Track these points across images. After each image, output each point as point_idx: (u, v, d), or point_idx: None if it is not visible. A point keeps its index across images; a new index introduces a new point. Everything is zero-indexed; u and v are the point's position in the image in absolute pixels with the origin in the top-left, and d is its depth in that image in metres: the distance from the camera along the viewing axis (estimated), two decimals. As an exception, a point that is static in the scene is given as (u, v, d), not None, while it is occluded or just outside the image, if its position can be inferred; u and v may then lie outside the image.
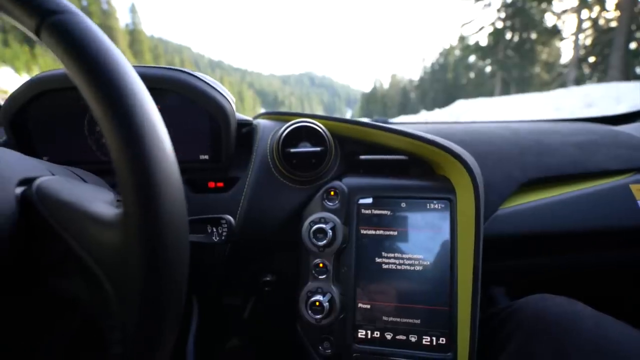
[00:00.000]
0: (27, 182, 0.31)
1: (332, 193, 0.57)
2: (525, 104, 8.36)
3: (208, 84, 0.58)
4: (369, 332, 0.53)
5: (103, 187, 0.43)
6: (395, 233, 0.54)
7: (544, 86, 26.96)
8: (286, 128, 0.59)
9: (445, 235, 0.53)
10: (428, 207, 0.54)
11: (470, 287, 0.49)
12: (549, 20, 26.41)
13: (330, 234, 0.53)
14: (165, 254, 0.23)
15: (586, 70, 21.92)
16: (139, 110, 0.23)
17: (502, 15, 28.61)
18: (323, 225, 0.53)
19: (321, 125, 0.59)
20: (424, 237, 0.54)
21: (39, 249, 0.30)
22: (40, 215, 0.29)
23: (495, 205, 0.62)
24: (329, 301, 0.52)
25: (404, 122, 1.01)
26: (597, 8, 20.75)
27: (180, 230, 0.24)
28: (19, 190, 0.30)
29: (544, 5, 25.58)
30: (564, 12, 23.57)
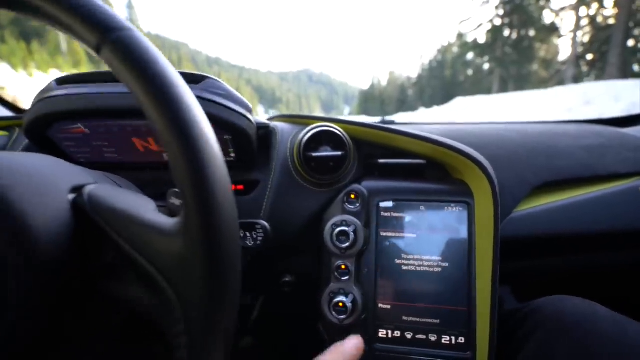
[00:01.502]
0: (76, 189, 0.32)
1: (352, 196, 0.58)
2: (523, 102, 8.39)
3: (222, 105, 0.54)
4: (389, 331, 0.54)
5: (141, 194, 0.44)
6: (415, 236, 0.56)
7: (542, 83, 27.01)
8: (307, 132, 0.59)
9: (463, 238, 0.54)
10: (446, 210, 0.56)
11: (490, 288, 0.50)
12: (547, 17, 26.46)
13: (353, 236, 0.54)
14: (223, 261, 0.25)
15: (584, 67, 21.97)
16: (203, 133, 0.24)
17: (501, 12, 28.58)
18: (345, 228, 0.54)
19: (341, 130, 0.60)
20: (442, 240, 0.55)
21: (93, 255, 0.31)
22: (94, 223, 0.30)
23: (510, 208, 0.63)
24: (352, 302, 0.54)
25: (408, 122, 1.01)
26: (595, 5, 20.78)
27: (234, 238, 0.26)
28: (70, 197, 0.31)
29: (542, 2, 25.60)
30: (562, 9, 23.59)
